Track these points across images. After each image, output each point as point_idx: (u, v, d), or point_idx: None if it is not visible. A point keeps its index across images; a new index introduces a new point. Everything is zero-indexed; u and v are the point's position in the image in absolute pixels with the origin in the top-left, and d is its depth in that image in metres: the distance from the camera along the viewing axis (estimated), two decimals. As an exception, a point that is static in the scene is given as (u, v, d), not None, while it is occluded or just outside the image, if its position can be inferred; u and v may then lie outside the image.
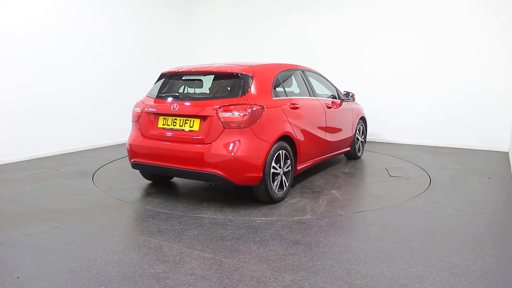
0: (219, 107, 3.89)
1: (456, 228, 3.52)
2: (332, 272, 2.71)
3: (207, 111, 3.93)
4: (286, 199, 4.33)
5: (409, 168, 5.69)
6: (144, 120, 4.33)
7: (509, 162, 6.12)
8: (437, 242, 3.21)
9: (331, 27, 8.29)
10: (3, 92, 5.93)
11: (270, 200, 4.13)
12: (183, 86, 4.55)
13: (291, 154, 4.33)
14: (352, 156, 6.37)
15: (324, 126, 5.13)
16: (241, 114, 3.84)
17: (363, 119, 6.59)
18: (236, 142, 3.82)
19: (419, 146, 7.61)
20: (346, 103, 5.91)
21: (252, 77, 4.13)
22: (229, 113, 3.85)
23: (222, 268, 2.76)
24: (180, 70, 4.56)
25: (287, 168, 4.29)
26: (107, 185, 4.90)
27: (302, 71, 5.20)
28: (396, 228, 3.53)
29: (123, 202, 4.27)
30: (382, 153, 6.98)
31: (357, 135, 6.32)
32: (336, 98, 5.74)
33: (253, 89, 4.08)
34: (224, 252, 3.03)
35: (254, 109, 3.91)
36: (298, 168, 4.57)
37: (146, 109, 4.33)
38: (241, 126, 3.84)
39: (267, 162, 3.95)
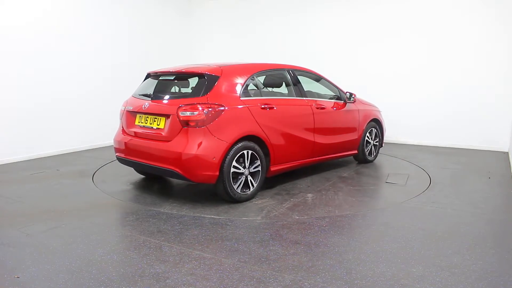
0: (179, 106, 4.02)
1: (456, 228, 3.52)
2: (332, 272, 2.71)
3: (170, 110, 4.09)
4: (253, 199, 4.31)
5: (413, 175, 5.35)
6: (126, 117, 4.64)
7: (509, 162, 6.13)
8: (437, 242, 3.21)
9: (332, 27, 8.29)
10: (3, 92, 5.94)
11: (231, 199, 4.15)
12: (159, 85, 4.68)
13: (261, 154, 4.33)
14: (361, 159, 6.07)
15: (312, 127, 4.99)
16: (197, 113, 3.93)
17: (376, 121, 6.20)
18: (192, 140, 3.93)
19: (419, 146, 7.61)
20: (352, 104, 5.69)
21: (218, 77, 4.22)
22: (187, 112, 3.96)
23: (222, 268, 2.77)
24: (159, 71, 4.77)
25: (255, 168, 4.29)
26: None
27: (290, 71, 5.07)
28: (396, 228, 3.53)
29: (123, 202, 4.28)
30: (387, 154, 6.88)
31: (367, 138, 6.01)
32: (339, 99, 5.57)
33: (216, 89, 4.15)
34: (224, 252, 3.03)
35: (210, 108, 3.97)
36: (273, 169, 4.54)
37: (127, 107, 4.65)
38: (198, 125, 3.94)
39: (225, 162, 4.00)
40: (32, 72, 6.27)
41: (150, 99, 4.44)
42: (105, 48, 7.46)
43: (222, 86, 4.19)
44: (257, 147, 4.27)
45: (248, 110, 4.25)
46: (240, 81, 4.36)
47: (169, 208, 4.04)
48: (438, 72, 7.43)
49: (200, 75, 4.29)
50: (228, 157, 4.01)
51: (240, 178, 4.17)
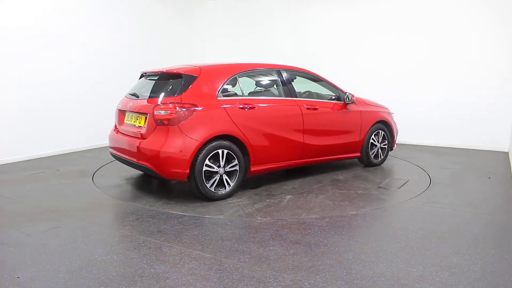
0: (155, 105, 4.19)
1: (456, 228, 3.52)
2: (332, 272, 2.71)
3: (147, 109, 4.27)
4: (229, 198, 4.33)
5: (413, 180, 5.11)
6: (118, 116, 4.89)
7: (509, 162, 6.12)
8: (437, 242, 3.21)
9: (332, 27, 8.28)
10: (3, 92, 5.94)
11: (204, 197, 4.22)
12: (146, 85, 4.81)
13: (239, 154, 4.36)
14: (365, 162, 5.82)
15: (301, 128, 4.90)
16: (169, 112, 4.08)
17: (384, 123, 5.94)
18: (163, 138, 4.09)
19: (419, 146, 7.60)
20: (353, 105, 5.51)
21: (195, 78, 4.33)
22: (162, 111, 4.11)
23: (222, 268, 2.77)
24: (148, 71, 4.96)
25: (231, 168, 4.32)
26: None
27: (280, 71, 5.01)
28: (396, 228, 3.53)
29: (123, 202, 4.28)
30: (393, 156, 6.46)
31: (372, 141, 5.78)
32: (339, 100, 5.43)
33: (192, 89, 4.25)
34: (224, 252, 3.03)
35: (182, 108, 4.09)
36: (253, 169, 4.54)
37: (118, 106, 4.92)
38: (170, 123, 4.07)
39: (197, 160, 4.08)
40: (32, 72, 6.27)
41: (135, 98, 4.66)
42: (105, 48, 7.46)
43: (198, 86, 4.30)
44: (234, 147, 4.32)
45: (224, 110, 4.30)
46: (219, 81, 4.43)
47: (143, 203, 4.09)
48: (438, 72, 7.43)
49: (179, 76, 4.43)
50: (200, 155, 4.09)
51: (214, 177, 4.22)
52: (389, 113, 6.15)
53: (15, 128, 6.10)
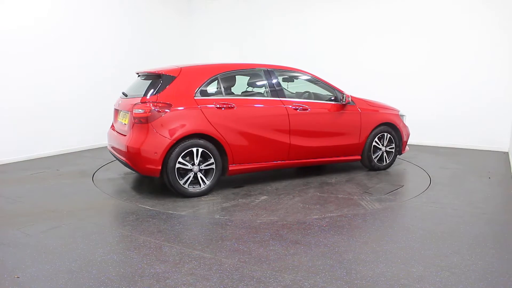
0: (134, 104, 4.37)
1: (456, 228, 3.52)
2: (332, 272, 2.72)
3: (129, 107, 4.45)
4: (203, 196, 4.39)
5: (408, 187, 4.91)
6: (114, 114, 5.09)
7: (509, 162, 6.12)
8: (437, 242, 3.21)
9: (332, 26, 8.29)
10: (3, 92, 5.94)
11: (177, 193, 4.35)
12: (136, 85, 4.97)
13: (216, 153, 4.43)
14: (368, 166, 5.55)
15: (287, 129, 4.83)
16: (143, 111, 4.25)
17: (390, 125, 5.61)
18: (137, 135, 4.27)
19: (419, 146, 7.60)
20: (352, 106, 5.31)
21: (174, 78, 4.48)
22: (139, 110, 4.28)
23: (222, 268, 2.77)
24: (140, 71, 5.16)
25: (207, 166, 4.41)
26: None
27: (268, 71, 4.97)
28: (396, 228, 3.53)
29: (123, 202, 4.28)
30: (401, 158, 6.38)
31: (375, 144, 5.49)
32: (336, 101, 5.27)
33: (169, 89, 4.40)
34: (224, 252, 3.03)
35: (155, 107, 4.25)
36: (232, 169, 4.57)
37: (114, 105, 5.11)
38: (145, 121, 4.24)
39: (169, 157, 4.21)
40: (32, 72, 6.27)
41: (124, 97, 4.88)
42: (105, 48, 7.46)
43: (176, 86, 4.43)
44: (210, 146, 4.39)
45: (199, 110, 4.39)
46: (198, 81, 4.53)
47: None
48: (438, 72, 7.43)
49: (159, 76, 4.60)
50: (172, 153, 4.22)
51: (188, 174, 4.32)
52: (398, 115, 5.77)
53: (15, 128, 6.10)
